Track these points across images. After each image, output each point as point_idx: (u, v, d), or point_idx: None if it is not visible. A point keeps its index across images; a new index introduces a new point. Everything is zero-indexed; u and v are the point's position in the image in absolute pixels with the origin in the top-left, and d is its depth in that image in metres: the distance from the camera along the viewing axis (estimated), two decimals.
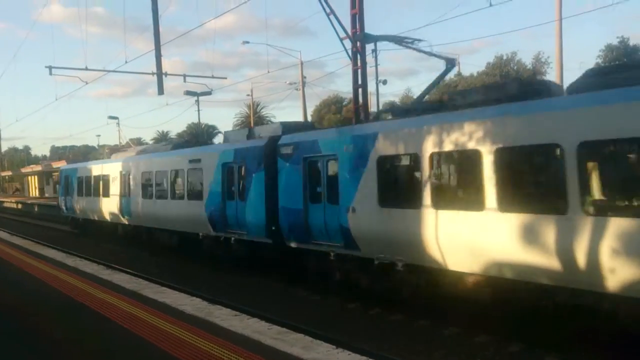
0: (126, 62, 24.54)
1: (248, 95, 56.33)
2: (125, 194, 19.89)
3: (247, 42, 41.03)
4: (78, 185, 24.71)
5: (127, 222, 20.22)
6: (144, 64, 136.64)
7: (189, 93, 39.44)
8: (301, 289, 11.90)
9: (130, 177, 19.46)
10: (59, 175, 28.56)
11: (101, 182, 22.04)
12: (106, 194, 21.53)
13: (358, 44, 17.07)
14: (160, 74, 22.39)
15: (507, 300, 8.13)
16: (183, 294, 9.15)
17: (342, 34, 17.23)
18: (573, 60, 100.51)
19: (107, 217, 21.73)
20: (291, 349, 5.77)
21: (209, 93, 38.25)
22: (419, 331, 8.92)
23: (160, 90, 21.98)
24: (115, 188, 20.71)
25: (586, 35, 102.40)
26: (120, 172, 20.34)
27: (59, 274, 10.99)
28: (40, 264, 12.49)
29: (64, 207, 27.40)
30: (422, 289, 9.45)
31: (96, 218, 23.17)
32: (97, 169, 23.14)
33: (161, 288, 9.75)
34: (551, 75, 41.76)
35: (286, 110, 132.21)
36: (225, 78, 28.89)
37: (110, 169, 21.48)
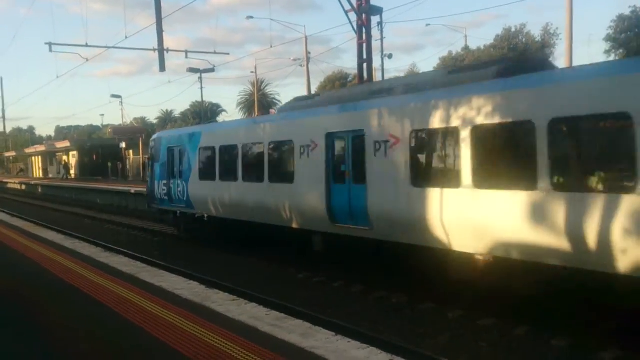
0: (126, 37, 24.08)
1: (252, 72, 55.84)
2: (339, 178, 10.31)
3: (251, 17, 40.49)
4: (203, 162, 14.67)
5: (342, 231, 10.33)
6: (147, 41, 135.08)
7: (191, 70, 39.10)
8: (306, 272, 11.67)
9: (367, 144, 9.63)
10: (153, 147, 17.61)
11: (266, 157, 12.17)
12: (280, 177, 11.83)
13: (364, 16, 16.54)
14: (161, 50, 21.91)
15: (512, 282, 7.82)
16: (181, 278, 8.90)
17: (348, 7, 16.67)
18: (583, 31, 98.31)
19: (281, 217, 11.70)
20: (289, 337, 5.51)
21: (212, 70, 37.92)
22: (423, 314, 8.73)
23: (162, 67, 21.53)
24: (307, 167, 10.93)
25: (596, 6, 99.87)
26: (327, 135, 10.52)
27: (55, 256, 10.77)
28: (37, 245, 12.29)
29: (163, 197, 16.60)
30: None
31: (247, 218, 12.95)
32: (251, 132, 13.02)
33: (159, 271, 9.50)
34: (560, 47, 40.82)
35: (290, 87, 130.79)
36: (228, 54, 28.49)
37: (291, 132, 11.51)
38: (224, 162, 13.76)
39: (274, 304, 7.92)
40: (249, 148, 12.95)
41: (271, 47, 36.31)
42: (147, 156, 20.49)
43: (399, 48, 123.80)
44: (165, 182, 16.34)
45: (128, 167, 47.33)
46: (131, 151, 46.60)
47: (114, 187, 33.46)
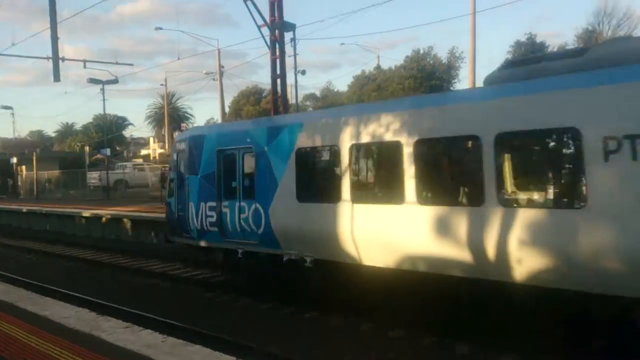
0: (13, 44, 21.92)
1: (162, 84, 53.80)
2: None
3: (160, 29, 39.23)
4: (307, 172, 9.44)
5: None
6: (47, 49, 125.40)
7: (92, 81, 36.72)
8: (211, 291, 11.12)
9: None
10: (184, 151, 11.61)
11: (489, 161, 6.84)
12: (532, 198, 7.11)
13: (277, 32, 16.53)
14: (56, 59, 20.28)
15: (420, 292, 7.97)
16: (69, 305, 8.02)
17: (261, 22, 16.60)
18: (485, 55, 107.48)
19: (534, 271, 6.49)
20: None
21: (115, 81, 35.93)
22: (334, 328, 8.61)
23: (57, 77, 19.89)
24: (634, 180, 5.76)
25: (498, 32, 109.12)
26: None
27: None
28: None
29: (207, 227, 10.89)
30: None
31: (427, 268, 7.66)
32: (446, 117, 7.44)
33: (44, 298, 8.49)
34: (464, 70, 43.77)
35: (203, 102, 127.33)
36: (132, 65, 26.96)
37: (570, 112, 6.25)
38: (367, 172, 8.94)
39: (172, 327, 7.37)
40: (436, 146, 7.93)
41: (178, 59, 35.52)
42: (164, 168, 14.41)
43: (316, 65, 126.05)
44: (212, 204, 10.73)
45: (20, 183, 43.25)
46: (24, 167, 42.69)
47: (2, 205, 30.25)
